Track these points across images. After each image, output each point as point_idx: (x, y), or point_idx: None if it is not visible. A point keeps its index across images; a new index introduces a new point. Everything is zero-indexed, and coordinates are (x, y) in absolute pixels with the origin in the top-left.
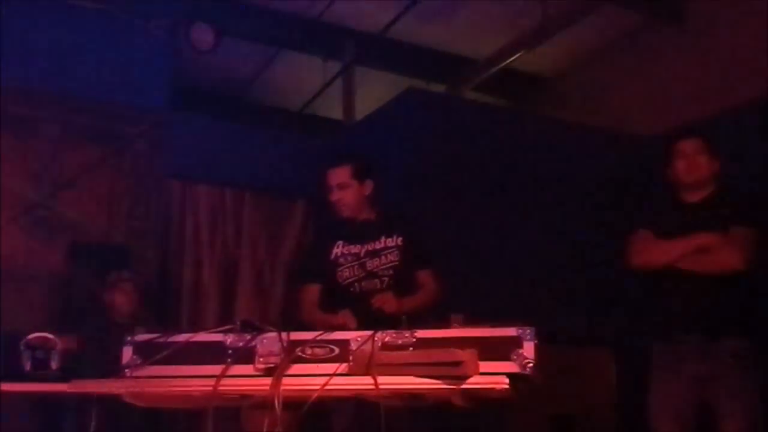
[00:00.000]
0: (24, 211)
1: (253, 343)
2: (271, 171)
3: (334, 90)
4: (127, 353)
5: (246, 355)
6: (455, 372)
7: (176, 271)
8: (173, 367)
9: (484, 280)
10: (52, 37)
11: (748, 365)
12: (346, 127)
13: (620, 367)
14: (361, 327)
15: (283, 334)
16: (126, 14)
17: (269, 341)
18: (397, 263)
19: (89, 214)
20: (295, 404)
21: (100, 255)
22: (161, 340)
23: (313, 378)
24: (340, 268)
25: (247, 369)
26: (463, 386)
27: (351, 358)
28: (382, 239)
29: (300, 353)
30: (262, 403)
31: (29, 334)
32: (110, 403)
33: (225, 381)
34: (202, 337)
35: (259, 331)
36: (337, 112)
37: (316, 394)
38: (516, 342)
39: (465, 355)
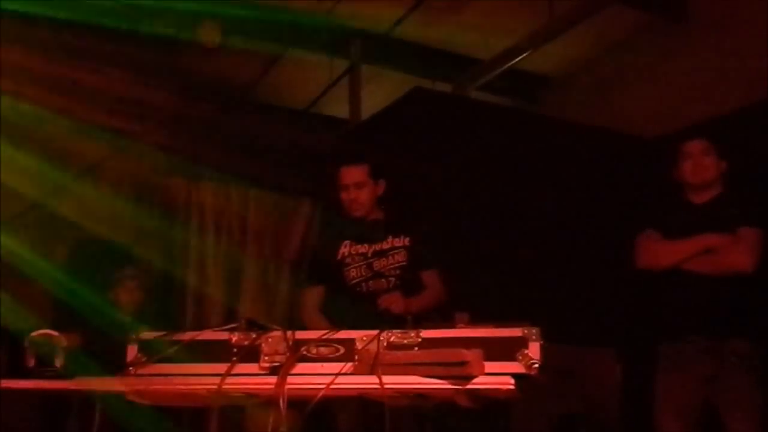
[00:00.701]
0: (29, 209)
1: (258, 342)
2: (277, 169)
3: (340, 89)
4: (132, 351)
5: (251, 354)
6: (460, 372)
7: (181, 269)
8: (178, 365)
9: (489, 280)
10: (59, 34)
11: (754, 366)
12: (352, 125)
13: (626, 368)
14: (367, 327)
15: (289, 333)
16: (133, 11)
17: (274, 340)
18: (404, 263)
19: (94, 212)
20: (300, 403)
21: (104, 252)
22: (166, 338)
23: (318, 377)
24: (347, 268)
25: (252, 368)
26: (468, 386)
27: (356, 357)
28: (390, 239)
29: (305, 352)
30: (267, 402)
31: (33, 331)
32: (114, 402)
33: (230, 380)
34: (207, 335)
35: (264, 329)
36: (343, 111)
37: (321, 394)
38: (521, 342)
39: (470, 355)
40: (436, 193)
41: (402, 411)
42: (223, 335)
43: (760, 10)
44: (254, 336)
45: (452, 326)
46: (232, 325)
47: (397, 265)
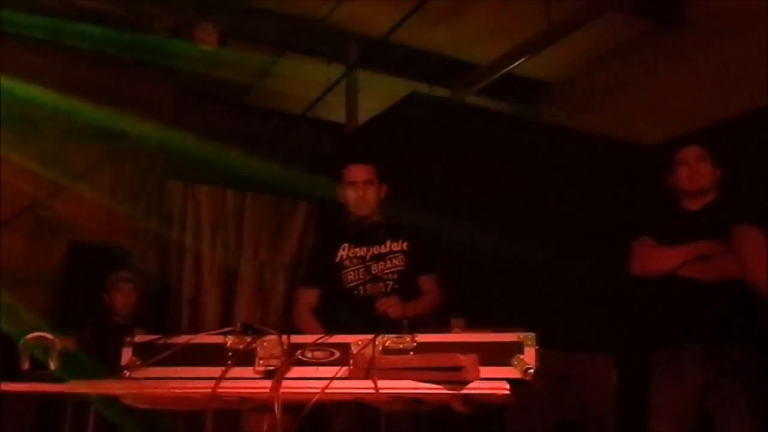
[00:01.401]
0: (25, 211)
1: (254, 346)
2: (274, 173)
3: (337, 93)
4: (127, 354)
5: (246, 358)
6: (456, 377)
7: (177, 272)
8: (173, 368)
9: (485, 285)
10: (57, 36)
11: (749, 372)
12: (349, 130)
13: (622, 374)
14: (364, 330)
15: (284, 337)
16: (131, 14)
17: (269, 344)
18: (402, 268)
19: (90, 214)
20: (295, 407)
21: (100, 255)
22: (161, 341)
23: (313, 381)
24: (344, 271)
25: (247, 371)
26: (464, 391)
27: (351, 361)
28: (388, 243)
29: (300, 356)
30: (261, 406)
31: (28, 334)
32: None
33: (225, 383)
34: (202, 338)
35: (260, 333)
36: (340, 116)
37: (316, 398)
38: (517, 347)
39: (466, 360)
40: (432, 197)
41: (398, 414)
42: (218, 339)
43: (757, 17)
44: (249, 339)
45: (448, 331)
46: (228, 329)
47: (394, 269)
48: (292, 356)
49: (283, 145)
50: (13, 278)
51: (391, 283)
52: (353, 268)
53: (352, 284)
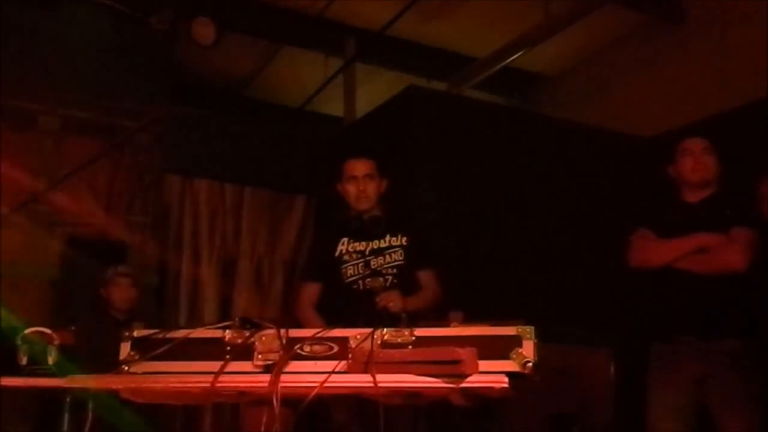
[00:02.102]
0: (22, 206)
1: (252, 340)
2: (271, 167)
3: (335, 87)
4: (125, 349)
5: (244, 352)
6: (454, 370)
7: (175, 267)
8: (171, 363)
9: (483, 278)
10: (53, 31)
11: (746, 365)
12: (347, 123)
13: (619, 367)
14: (364, 325)
15: (282, 331)
16: (128, 8)
17: (268, 338)
18: (401, 262)
19: (88, 209)
20: (293, 401)
21: (98, 250)
22: (159, 336)
23: (311, 375)
24: (344, 265)
25: (245, 366)
26: (462, 385)
27: (350, 355)
28: (387, 238)
29: (299, 350)
30: (260, 400)
31: (26, 328)
32: (107, 400)
33: (223, 378)
34: (201, 333)
35: (258, 327)
36: (337, 109)
37: (314, 392)
38: (515, 341)
39: (464, 353)
40: (431, 190)
41: (397, 409)
42: (216, 333)
43: (755, 10)
44: (248, 334)
45: (446, 325)
46: (226, 323)
47: (394, 263)
48: (291, 350)
49: (281, 138)
50: (10, 272)
51: (390, 277)
52: (353, 262)
53: (351, 279)
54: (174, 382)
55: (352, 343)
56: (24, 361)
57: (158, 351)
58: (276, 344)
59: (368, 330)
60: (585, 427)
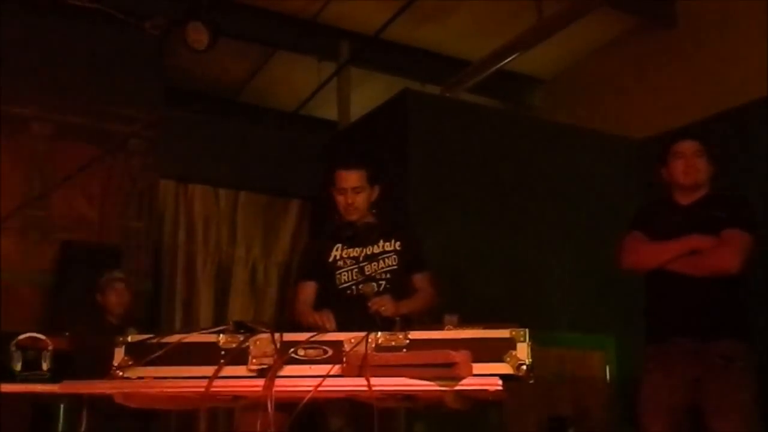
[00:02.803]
0: (16, 211)
1: (246, 344)
2: (266, 171)
3: (329, 91)
4: (119, 354)
5: (239, 356)
6: (448, 373)
7: (169, 272)
8: (165, 367)
9: (478, 281)
10: (46, 37)
11: (738, 367)
12: (341, 128)
13: (614, 369)
14: (357, 329)
15: (277, 335)
16: (121, 13)
17: (262, 342)
18: (395, 267)
19: (82, 214)
20: (288, 405)
21: (92, 255)
22: (154, 340)
23: (306, 379)
24: (338, 272)
25: (240, 370)
26: (457, 387)
27: (344, 359)
28: (381, 243)
29: (293, 354)
30: (254, 405)
31: (20, 334)
32: (101, 405)
33: (217, 382)
34: (195, 337)
35: (253, 331)
36: (332, 113)
37: (309, 396)
38: (510, 344)
39: (458, 356)
40: (425, 193)
41: (392, 411)
42: (211, 337)
43: (749, 13)
44: (242, 338)
45: (440, 328)
46: (220, 327)
47: (388, 269)
48: (285, 354)
49: (276, 143)
50: (4, 278)
51: (383, 282)
52: (347, 269)
53: (345, 284)
54: (168, 387)
55: (347, 347)
56: (18, 366)
57: (153, 356)
58: (270, 348)
59: (363, 333)
60: (580, 429)
